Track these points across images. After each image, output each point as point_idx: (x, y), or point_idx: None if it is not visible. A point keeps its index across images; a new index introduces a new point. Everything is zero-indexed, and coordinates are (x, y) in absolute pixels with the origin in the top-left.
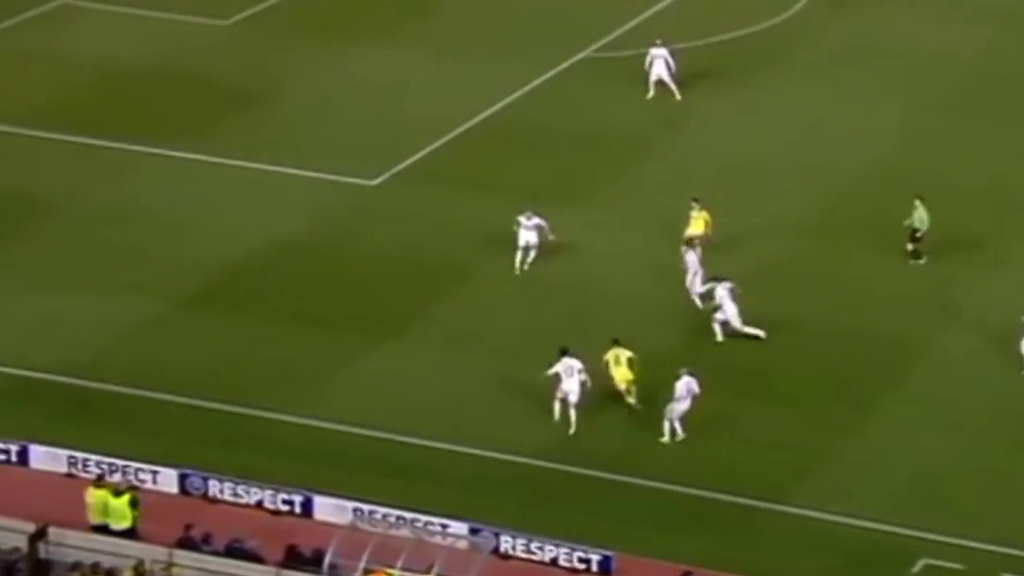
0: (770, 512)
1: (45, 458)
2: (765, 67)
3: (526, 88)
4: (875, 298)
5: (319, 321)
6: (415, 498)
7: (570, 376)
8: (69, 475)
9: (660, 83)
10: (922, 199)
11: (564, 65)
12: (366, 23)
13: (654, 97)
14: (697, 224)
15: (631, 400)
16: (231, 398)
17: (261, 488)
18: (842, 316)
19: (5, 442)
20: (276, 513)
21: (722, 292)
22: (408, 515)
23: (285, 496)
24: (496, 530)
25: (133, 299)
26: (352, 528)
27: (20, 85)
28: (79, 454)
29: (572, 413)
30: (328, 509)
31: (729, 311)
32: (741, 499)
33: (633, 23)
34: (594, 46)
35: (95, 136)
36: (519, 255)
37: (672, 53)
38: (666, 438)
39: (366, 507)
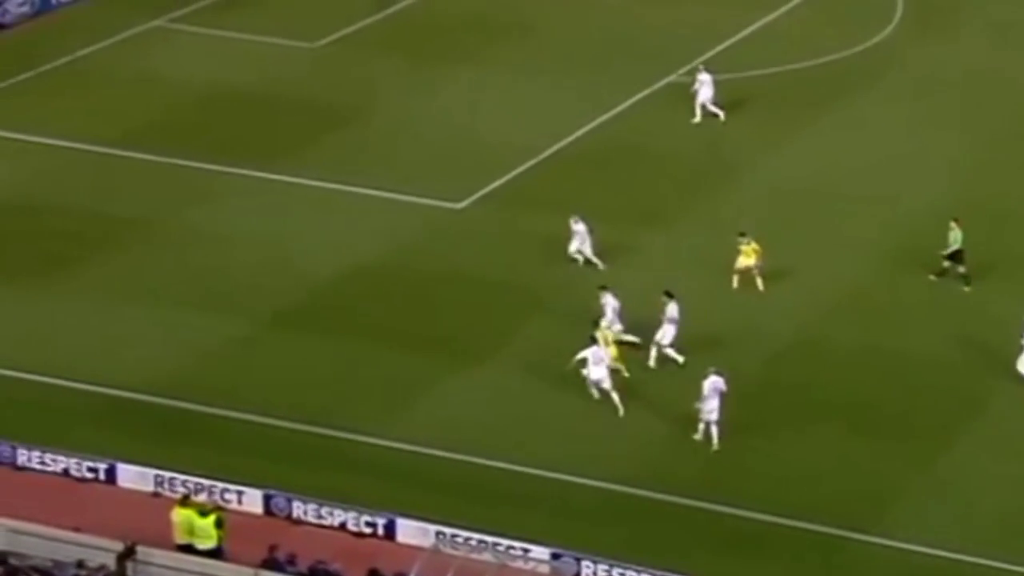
0: (852, 541)
1: (132, 476)
2: (848, 93)
3: (612, 112)
4: (948, 325)
5: (404, 343)
6: (497, 522)
7: (598, 363)
8: (156, 494)
9: (704, 107)
10: (957, 220)
11: (650, 89)
12: (453, 46)
13: (731, 123)
14: (748, 256)
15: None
16: (316, 419)
17: (344, 510)
18: (915, 343)
19: (94, 460)
20: (359, 535)
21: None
22: (490, 539)
23: (368, 518)
24: (577, 555)
25: (221, 319)
26: (434, 551)
27: (112, 106)
28: (166, 473)
29: (614, 396)
30: (411, 532)
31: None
32: (822, 527)
33: (719, 48)
34: (680, 70)
35: (185, 157)
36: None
37: (714, 79)
38: (699, 436)
39: (448, 530)
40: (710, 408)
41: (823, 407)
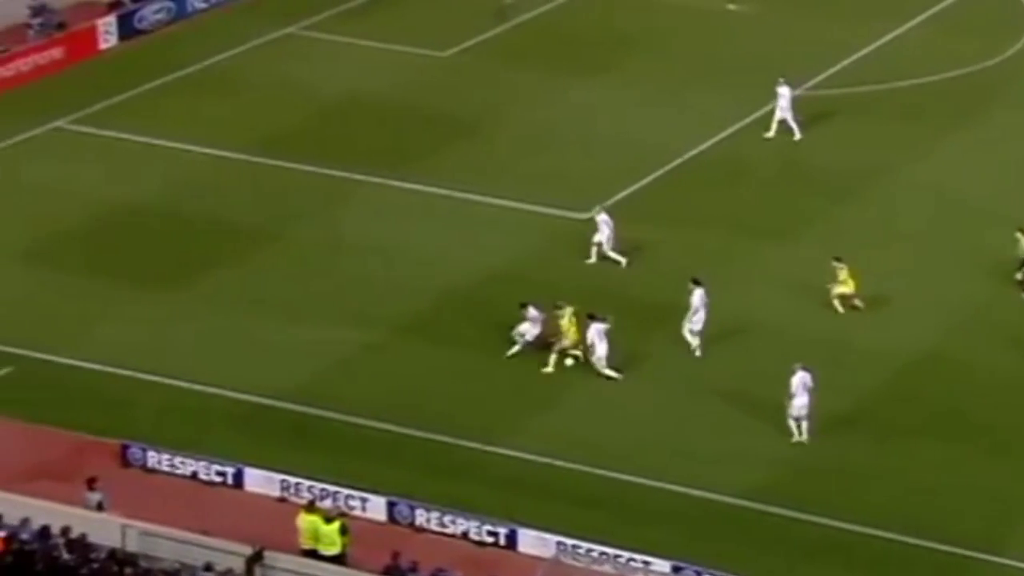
0: (984, 562)
1: (259, 481)
2: (983, 106)
3: (739, 124)
4: None
5: (530, 353)
6: (619, 534)
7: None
8: (281, 499)
9: (784, 122)
10: (1023, 230)
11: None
12: (581, 57)
13: (861, 137)
14: (847, 284)
15: (577, 353)
16: (441, 427)
17: (467, 519)
18: None
19: (222, 464)
20: (481, 544)
21: (594, 332)
22: (611, 551)
23: (490, 527)
24: (698, 568)
25: (348, 326)
26: (555, 562)
27: (244, 113)
28: (292, 479)
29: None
30: (532, 542)
31: (600, 351)
32: (953, 547)
33: (846, 62)
34: (807, 84)
35: (315, 164)
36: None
37: (793, 94)
38: (796, 437)
39: (570, 541)
40: (800, 404)
41: (947, 424)
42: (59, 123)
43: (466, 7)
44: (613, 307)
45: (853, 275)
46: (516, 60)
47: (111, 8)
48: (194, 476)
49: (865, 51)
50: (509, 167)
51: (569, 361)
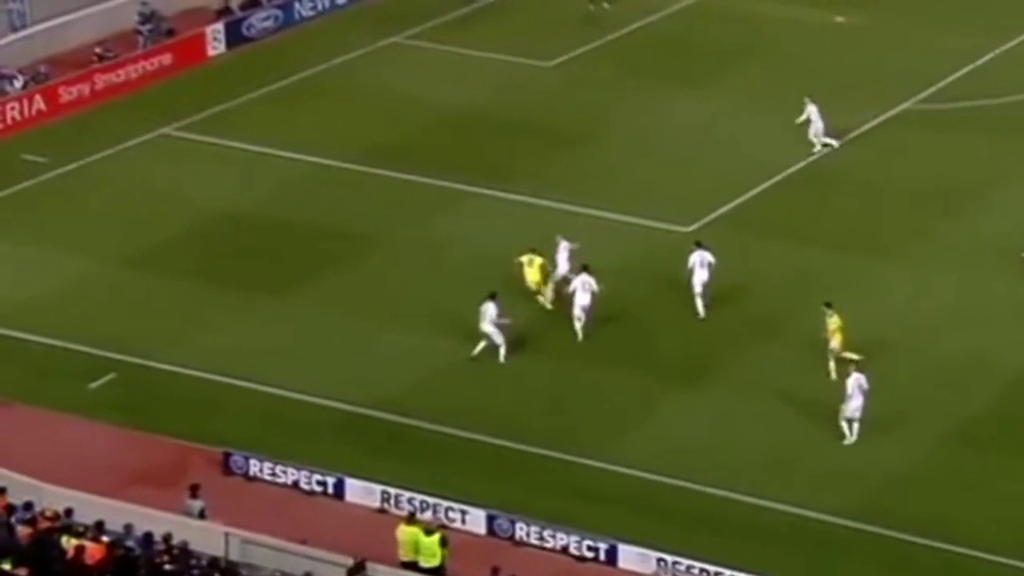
0: None
1: (360, 492)
2: None
3: (847, 138)
4: None
5: (628, 366)
6: (719, 551)
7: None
8: (381, 510)
9: (817, 138)
10: None
11: (886, 116)
12: (686, 68)
13: (973, 151)
14: (836, 335)
15: (542, 300)
16: (541, 441)
17: (567, 533)
18: None
19: (323, 474)
20: (580, 559)
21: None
22: (711, 568)
23: (590, 542)
24: None
25: (452, 337)
26: None
27: (350, 122)
28: (392, 490)
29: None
30: (632, 558)
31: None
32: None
33: (958, 74)
34: (917, 97)
35: (419, 174)
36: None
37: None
38: (848, 439)
39: (670, 558)
40: (855, 407)
41: None
42: (166, 130)
43: (571, 17)
44: (717, 321)
45: (844, 325)
46: (622, 71)
47: (219, 15)
48: (295, 485)
49: (973, 65)
50: (612, 178)
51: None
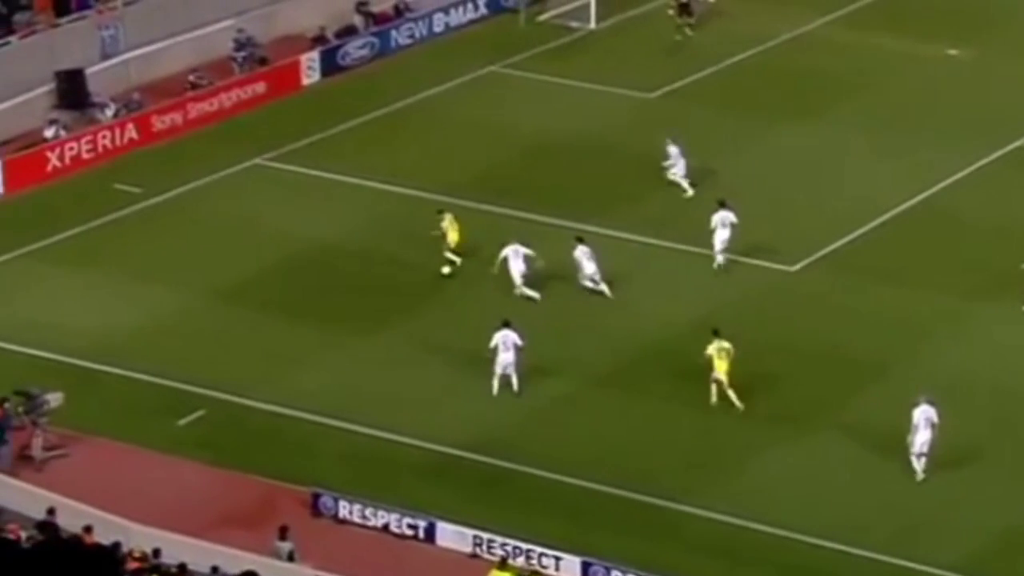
0: None
1: (451, 536)
2: None
3: (955, 177)
4: None
5: (722, 410)
6: None
7: (507, 349)
8: (473, 555)
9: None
10: None
11: (996, 155)
12: (793, 101)
13: None
14: (718, 362)
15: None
16: (636, 484)
17: None
18: None
19: (414, 517)
20: None
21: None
22: None
23: None
24: None
25: (545, 376)
26: None
27: (444, 152)
28: (485, 534)
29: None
30: None
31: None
32: None
33: None
34: None
35: (513, 207)
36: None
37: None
38: (918, 476)
39: None
40: (922, 441)
41: None
42: (259, 159)
43: (677, 47)
44: (823, 365)
45: (725, 352)
46: (725, 103)
47: (315, 43)
48: (385, 528)
49: None
50: (712, 215)
51: (446, 269)
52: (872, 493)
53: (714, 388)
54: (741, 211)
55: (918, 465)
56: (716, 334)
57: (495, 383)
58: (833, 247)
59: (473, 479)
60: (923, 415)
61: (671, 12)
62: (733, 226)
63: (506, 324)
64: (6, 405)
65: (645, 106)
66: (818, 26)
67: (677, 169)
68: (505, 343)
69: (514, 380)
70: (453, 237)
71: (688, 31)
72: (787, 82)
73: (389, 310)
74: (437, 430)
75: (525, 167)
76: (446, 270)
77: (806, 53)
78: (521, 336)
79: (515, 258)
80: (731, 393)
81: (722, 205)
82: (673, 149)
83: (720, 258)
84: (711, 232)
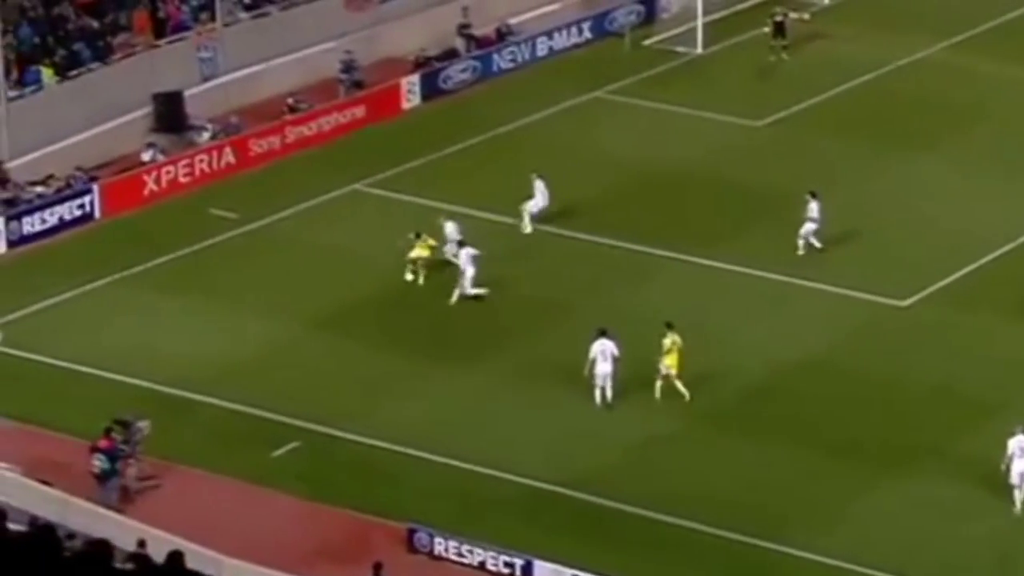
0: None
1: (548, 575)
2: None
3: None
4: None
5: (833, 447)
6: None
7: (605, 360)
8: None
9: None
10: None
11: None
12: (907, 129)
13: None
14: (669, 356)
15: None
16: (738, 523)
17: None
18: None
19: (510, 555)
20: None
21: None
22: None
23: None
24: None
25: (647, 412)
26: None
27: (549, 180)
28: (582, 574)
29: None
30: None
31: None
32: None
33: None
34: None
35: (616, 237)
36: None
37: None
38: (1016, 509)
39: None
40: (1019, 471)
41: None
42: (358, 185)
43: (783, 74)
44: (934, 402)
45: (677, 347)
46: (834, 132)
47: (416, 67)
48: (481, 566)
49: None
50: (824, 246)
51: (409, 276)
52: (978, 535)
53: (659, 384)
54: (850, 243)
55: (1017, 496)
56: (669, 327)
57: (596, 395)
58: (946, 281)
59: (570, 516)
60: (1017, 444)
61: (767, 30)
62: (816, 221)
63: (603, 333)
64: (113, 434)
65: (752, 134)
66: (931, 53)
67: (536, 205)
68: (603, 354)
69: (608, 392)
70: (421, 253)
71: (784, 55)
72: (902, 110)
73: (484, 341)
74: (534, 464)
75: (628, 196)
76: (408, 276)
77: (917, 80)
78: (618, 346)
79: (470, 264)
80: (679, 384)
81: (813, 196)
82: (539, 183)
83: (802, 242)
84: (806, 222)
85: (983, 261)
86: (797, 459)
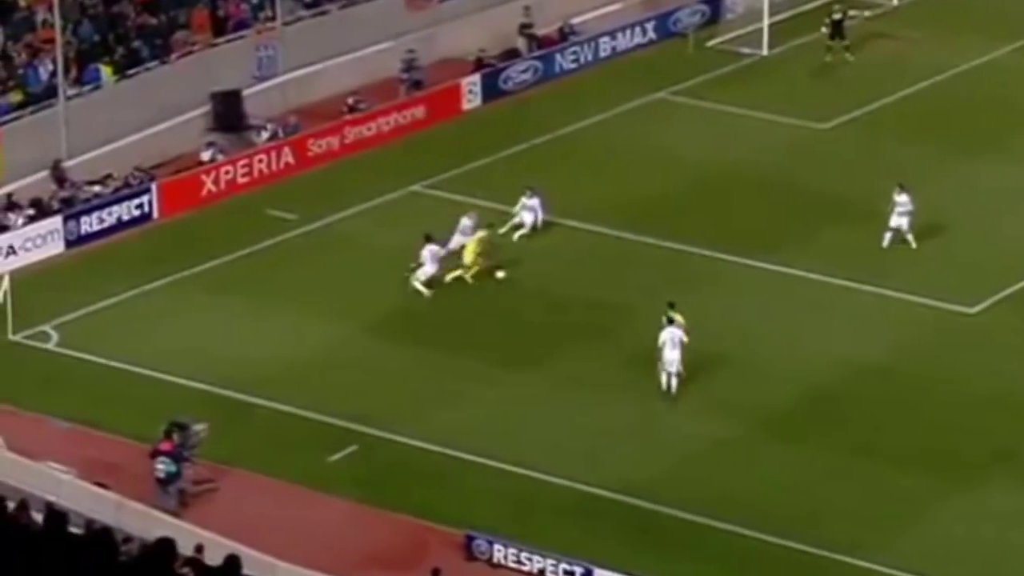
0: None
1: None
2: None
3: None
4: None
5: (894, 458)
6: None
7: (674, 347)
8: None
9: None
10: None
11: None
12: (976, 132)
13: None
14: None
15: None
16: (795, 533)
17: None
18: None
19: (570, 563)
20: None
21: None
22: None
23: None
24: None
25: (706, 419)
26: None
27: (608, 183)
28: None
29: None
30: None
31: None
32: None
33: None
34: None
35: (678, 241)
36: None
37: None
38: None
39: None
40: None
41: None
42: (416, 187)
43: (849, 76)
44: (1000, 411)
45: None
46: (902, 135)
47: (477, 67)
48: (541, 574)
49: None
50: (888, 252)
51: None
52: None
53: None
54: (918, 248)
55: None
56: (671, 306)
57: (663, 380)
58: (1016, 287)
59: (628, 523)
60: None
61: (824, 30)
62: (911, 214)
63: (670, 321)
64: (174, 437)
65: (818, 137)
66: (1000, 55)
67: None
68: (672, 341)
69: (674, 382)
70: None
71: (847, 55)
72: (970, 112)
73: (543, 344)
74: (592, 471)
75: (692, 199)
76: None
77: (990, 82)
78: (686, 332)
79: (432, 261)
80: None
81: (902, 188)
82: (532, 201)
83: (889, 235)
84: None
85: None
86: (858, 469)
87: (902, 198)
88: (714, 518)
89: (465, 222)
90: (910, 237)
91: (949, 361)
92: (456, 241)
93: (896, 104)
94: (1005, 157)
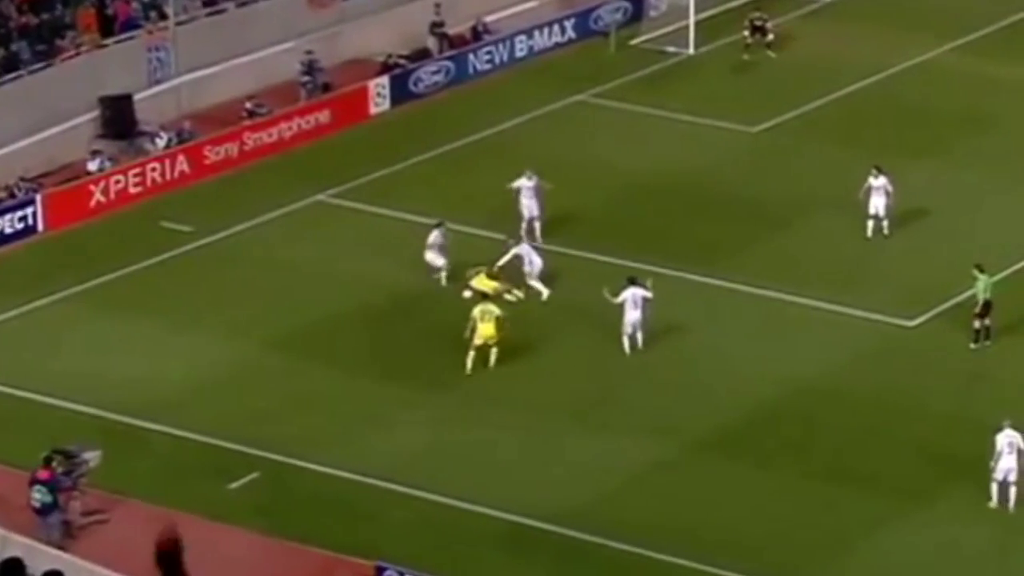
0: None
1: None
2: None
3: None
4: None
5: (839, 479)
6: None
7: (635, 307)
8: None
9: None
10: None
11: None
12: (908, 138)
13: None
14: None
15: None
16: (738, 561)
17: None
18: None
19: None
20: None
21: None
22: None
23: None
24: None
25: (640, 440)
26: None
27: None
28: None
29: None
30: None
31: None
32: None
33: None
34: None
35: (601, 251)
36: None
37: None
38: (991, 502)
39: None
40: (1004, 468)
41: None
42: (321, 196)
43: (779, 77)
44: (947, 428)
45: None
46: (837, 138)
47: (385, 69)
48: None
49: None
50: (825, 263)
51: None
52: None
53: (472, 355)
54: (851, 259)
55: (993, 492)
56: (485, 297)
57: (626, 343)
58: (955, 300)
59: (552, 553)
60: (1006, 439)
61: (745, 33)
62: (888, 195)
63: (632, 281)
64: (53, 464)
65: (747, 141)
66: (934, 56)
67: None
68: (634, 300)
69: (639, 337)
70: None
71: (769, 52)
72: (901, 116)
73: (458, 366)
74: (516, 498)
75: (616, 207)
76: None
77: (921, 85)
78: (648, 289)
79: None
80: (493, 354)
81: (879, 170)
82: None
83: (871, 223)
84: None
85: (995, 278)
86: (799, 491)
87: (879, 181)
88: (649, 548)
89: (435, 238)
90: (885, 224)
91: (891, 377)
92: (429, 257)
93: (827, 107)
94: (939, 164)
